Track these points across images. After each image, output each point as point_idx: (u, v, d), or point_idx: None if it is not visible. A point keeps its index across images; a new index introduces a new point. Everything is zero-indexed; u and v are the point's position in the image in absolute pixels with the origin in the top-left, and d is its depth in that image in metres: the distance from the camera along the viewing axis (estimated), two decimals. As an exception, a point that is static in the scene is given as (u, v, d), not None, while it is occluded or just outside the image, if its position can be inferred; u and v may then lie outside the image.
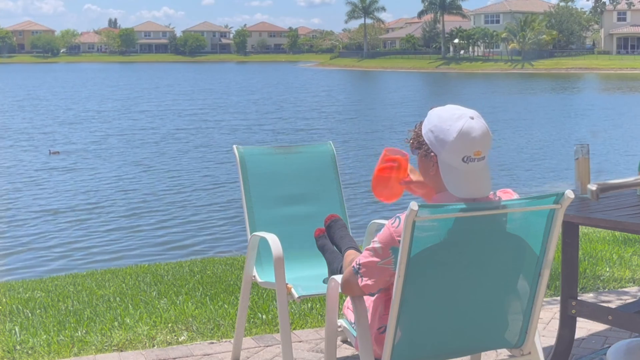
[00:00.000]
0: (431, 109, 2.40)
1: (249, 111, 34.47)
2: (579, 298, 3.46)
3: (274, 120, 29.94)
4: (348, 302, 2.73)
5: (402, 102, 40.25)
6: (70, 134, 25.62)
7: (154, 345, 3.94)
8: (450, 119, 2.29)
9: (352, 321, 2.63)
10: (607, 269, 5.30)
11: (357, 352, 2.52)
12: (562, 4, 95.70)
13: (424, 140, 2.35)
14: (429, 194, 2.46)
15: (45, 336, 4.05)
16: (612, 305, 3.93)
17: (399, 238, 2.23)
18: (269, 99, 42.58)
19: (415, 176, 2.56)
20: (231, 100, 41.48)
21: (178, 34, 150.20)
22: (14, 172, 17.78)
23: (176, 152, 21.38)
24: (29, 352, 3.86)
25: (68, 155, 20.42)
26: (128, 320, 4.26)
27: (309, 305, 4.50)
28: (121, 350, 3.87)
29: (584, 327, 4.07)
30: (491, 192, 2.38)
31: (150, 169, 18.34)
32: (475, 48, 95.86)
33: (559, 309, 3.51)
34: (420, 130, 2.38)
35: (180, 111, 34.43)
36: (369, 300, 2.54)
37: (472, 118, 2.29)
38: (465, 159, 2.27)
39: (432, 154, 2.33)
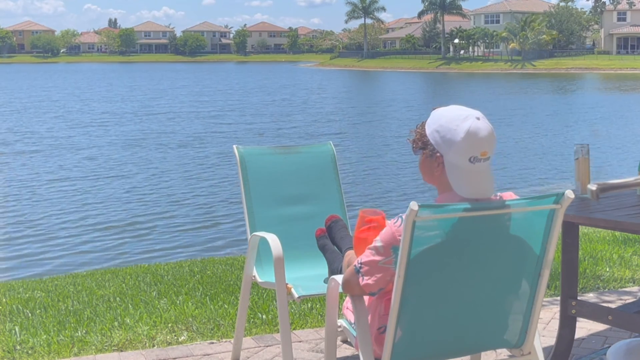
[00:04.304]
0: (433, 109, 2.40)
1: (271, 113, 34.17)
2: (579, 298, 3.46)
3: (297, 123, 29.70)
4: (348, 302, 2.73)
5: (416, 103, 40.05)
6: (85, 136, 25.47)
7: (154, 345, 3.94)
8: (457, 119, 2.30)
9: (352, 321, 2.63)
10: (607, 269, 5.30)
11: (357, 352, 2.52)
12: (562, 4, 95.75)
13: (428, 141, 2.35)
14: None
15: (45, 336, 4.04)
16: (612, 305, 3.93)
17: (400, 237, 2.23)
18: (288, 100, 42.41)
19: None
20: (251, 101, 41.31)
21: (178, 34, 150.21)
22: (17, 176, 17.73)
23: (180, 153, 21.35)
24: (29, 352, 3.86)
25: (78, 157, 20.36)
26: (128, 320, 4.26)
27: (309, 305, 4.50)
28: (121, 350, 3.87)
29: (584, 327, 4.07)
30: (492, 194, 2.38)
31: (154, 170, 18.31)
32: (475, 48, 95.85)
33: (559, 309, 3.51)
34: (424, 131, 2.37)
35: (202, 113, 34.19)
36: (369, 300, 2.54)
37: (478, 119, 2.30)
38: (471, 159, 2.28)
39: (438, 154, 2.33)
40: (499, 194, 2.41)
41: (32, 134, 26.01)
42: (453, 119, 2.31)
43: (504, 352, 3.51)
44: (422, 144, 2.38)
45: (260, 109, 36.47)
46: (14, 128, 27.88)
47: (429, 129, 2.36)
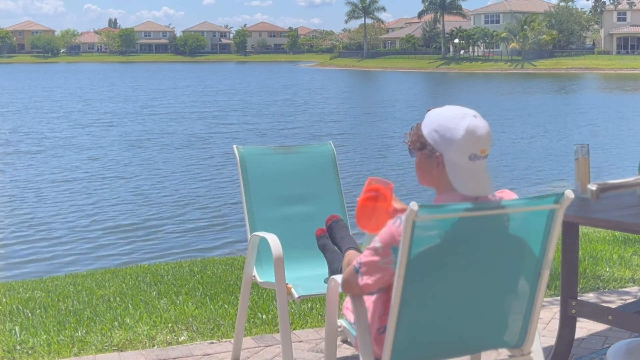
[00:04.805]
0: (428, 110, 2.41)
1: (273, 113, 34.03)
2: (579, 298, 3.46)
3: (299, 123, 29.57)
4: (348, 302, 2.73)
5: (417, 103, 39.97)
6: (87, 136, 25.41)
7: (154, 345, 3.94)
8: (455, 118, 2.30)
9: (352, 321, 2.63)
10: (607, 269, 5.30)
11: (357, 352, 2.52)
12: (562, 4, 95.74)
13: (427, 141, 2.35)
14: None
15: (45, 336, 4.05)
16: (612, 305, 3.93)
17: (399, 237, 2.23)
18: (290, 100, 42.31)
19: (399, 205, 2.56)
20: (253, 101, 41.19)
21: (178, 34, 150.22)
22: (19, 177, 17.72)
23: (183, 153, 21.34)
24: (29, 352, 3.86)
25: (85, 158, 20.33)
26: (128, 320, 4.26)
27: (309, 305, 4.50)
28: (121, 350, 3.88)
29: (584, 327, 4.07)
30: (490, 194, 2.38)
31: (157, 170, 18.30)
32: (475, 48, 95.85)
33: (559, 309, 3.51)
34: (420, 132, 2.38)
35: (204, 113, 34.06)
36: (368, 301, 2.54)
37: (475, 117, 2.31)
38: (471, 157, 2.28)
39: (438, 153, 2.33)
40: (497, 194, 2.41)
41: (35, 134, 26.00)
42: (451, 118, 2.31)
43: (504, 352, 3.51)
44: (420, 144, 2.38)
45: (263, 109, 36.43)
46: (17, 128, 27.86)
47: (426, 130, 2.36)
